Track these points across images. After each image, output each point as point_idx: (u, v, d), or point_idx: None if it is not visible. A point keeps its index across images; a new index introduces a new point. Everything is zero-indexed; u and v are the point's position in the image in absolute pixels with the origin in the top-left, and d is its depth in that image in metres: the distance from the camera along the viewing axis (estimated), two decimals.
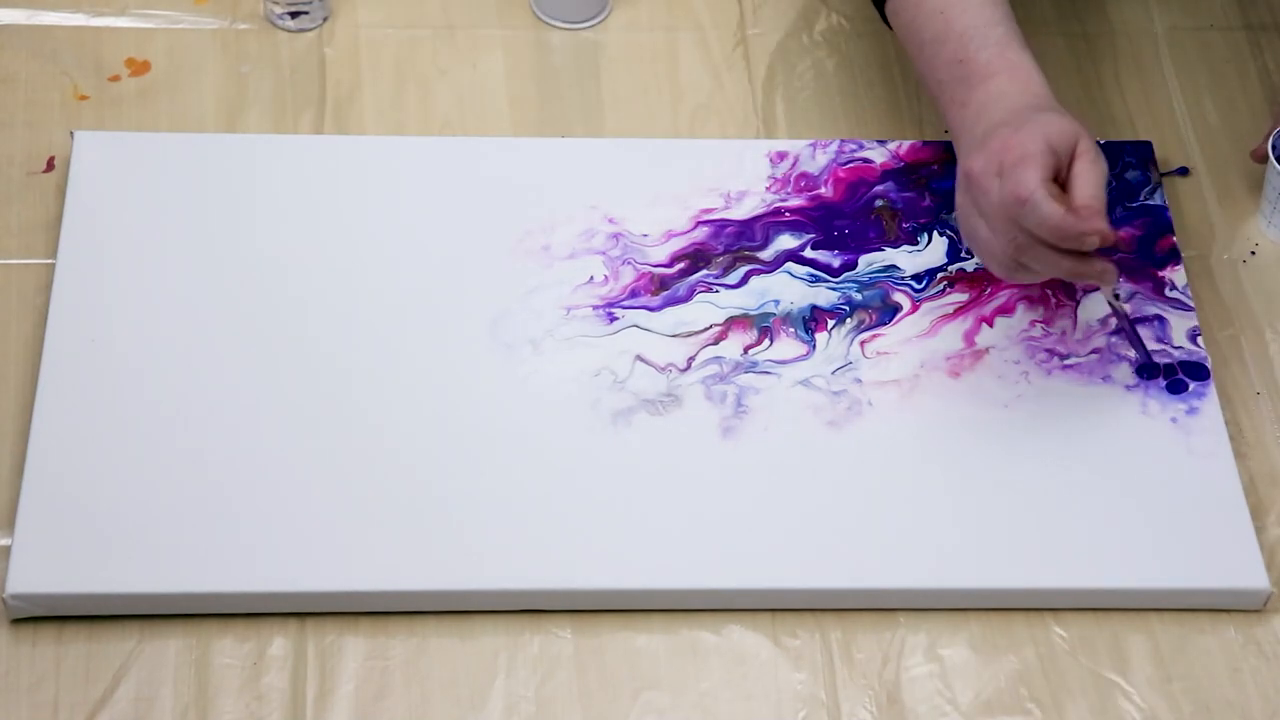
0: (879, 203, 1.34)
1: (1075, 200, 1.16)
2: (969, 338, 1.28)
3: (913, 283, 1.30)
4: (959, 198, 1.20)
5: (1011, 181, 1.16)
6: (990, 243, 1.18)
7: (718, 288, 1.29)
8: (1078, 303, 1.29)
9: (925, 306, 1.29)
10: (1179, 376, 1.26)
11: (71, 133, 1.33)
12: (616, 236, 1.31)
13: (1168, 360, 1.27)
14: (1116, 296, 1.25)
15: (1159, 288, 1.31)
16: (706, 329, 1.27)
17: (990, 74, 1.22)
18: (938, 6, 1.25)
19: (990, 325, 1.28)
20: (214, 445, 1.19)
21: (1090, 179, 1.17)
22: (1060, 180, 1.17)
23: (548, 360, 1.25)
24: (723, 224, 1.32)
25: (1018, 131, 1.17)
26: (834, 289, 1.30)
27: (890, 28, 1.30)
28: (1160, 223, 1.34)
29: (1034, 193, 1.14)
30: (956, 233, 1.32)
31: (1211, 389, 1.26)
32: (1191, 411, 1.25)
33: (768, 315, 1.28)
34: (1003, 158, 1.17)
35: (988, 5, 1.24)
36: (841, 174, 1.35)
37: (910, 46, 1.28)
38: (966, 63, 1.23)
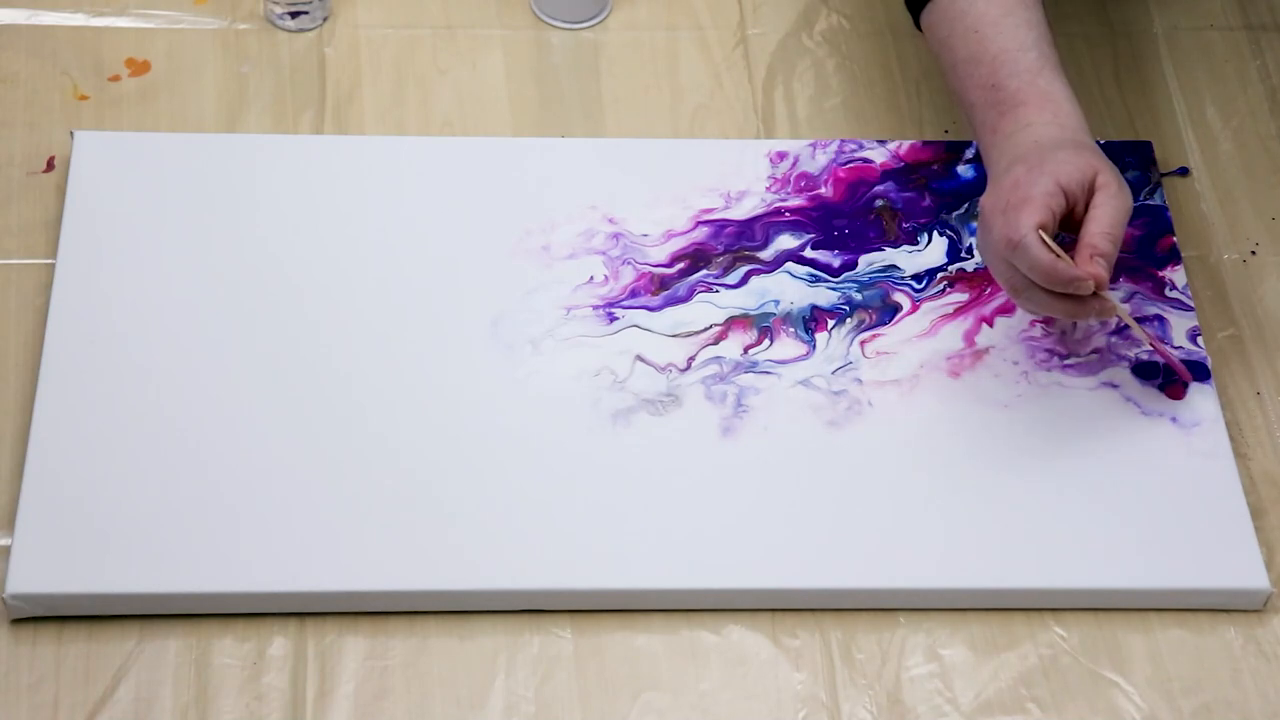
0: (879, 203, 1.34)
1: (1083, 237, 1.17)
2: (969, 338, 1.28)
3: (913, 283, 1.30)
4: (978, 230, 1.21)
5: (1007, 224, 1.17)
6: (998, 278, 1.21)
7: (718, 288, 1.29)
8: None
9: (925, 306, 1.29)
10: (1177, 378, 1.26)
11: (71, 133, 1.33)
12: (616, 236, 1.31)
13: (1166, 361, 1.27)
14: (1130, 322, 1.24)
15: (1159, 288, 1.31)
16: (706, 329, 1.27)
17: (1019, 102, 1.22)
18: (972, 25, 1.25)
19: (990, 325, 1.28)
20: (214, 445, 1.19)
21: (1103, 215, 1.18)
22: (1077, 217, 1.18)
23: (548, 360, 1.25)
24: (723, 224, 1.32)
25: (1030, 171, 1.18)
26: (834, 289, 1.30)
27: (920, 30, 1.30)
28: (1160, 223, 1.34)
29: (1024, 237, 1.16)
30: (956, 233, 1.33)
31: (1212, 389, 1.26)
32: (1191, 411, 1.25)
33: (768, 315, 1.28)
34: (1009, 197, 1.18)
35: (1022, 27, 1.24)
36: (841, 174, 1.35)
37: (943, 61, 1.28)
38: (997, 89, 1.23)
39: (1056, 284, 1.16)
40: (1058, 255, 1.16)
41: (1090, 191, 1.18)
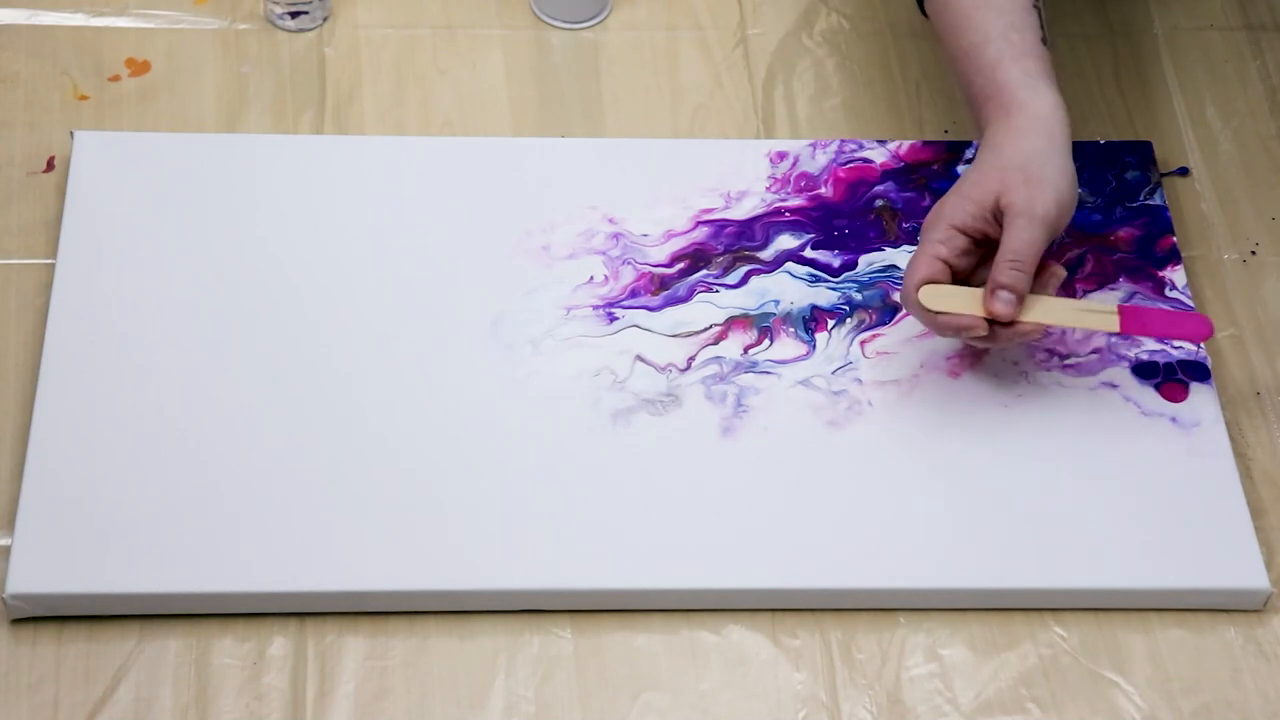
0: (879, 203, 1.34)
1: (993, 269, 1.18)
2: None
3: None
4: None
5: (906, 274, 1.20)
6: None
7: (718, 288, 1.29)
8: None
9: None
10: (1179, 376, 1.26)
11: (71, 133, 1.33)
12: (616, 236, 1.31)
13: (1168, 360, 1.27)
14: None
15: (1159, 288, 1.31)
16: (706, 329, 1.27)
17: (983, 100, 1.22)
18: (951, 20, 1.24)
19: None
20: (214, 445, 1.19)
21: (1006, 243, 1.17)
22: (995, 238, 1.19)
23: (548, 360, 1.25)
24: (723, 224, 1.32)
25: (935, 212, 1.20)
26: (834, 289, 1.30)
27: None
28: (1160, 223, 1.34)
29: (907, 295, 1.19)
30: None
31: (1212, 389, 1.26)
32: (1191, 411, 1.25)
33: (768, 315, 1.28)
34: (921, 238, 1.21)
35: (991, 17, 1.23)
36: (841, 174, 1.35)
37: (944, 58, 1.28)
38: (969, 87, 1.23)
39: (948, 336, 1.20)
40: (937, 313, 1.18)
41: (1002, 213, 1.18)
